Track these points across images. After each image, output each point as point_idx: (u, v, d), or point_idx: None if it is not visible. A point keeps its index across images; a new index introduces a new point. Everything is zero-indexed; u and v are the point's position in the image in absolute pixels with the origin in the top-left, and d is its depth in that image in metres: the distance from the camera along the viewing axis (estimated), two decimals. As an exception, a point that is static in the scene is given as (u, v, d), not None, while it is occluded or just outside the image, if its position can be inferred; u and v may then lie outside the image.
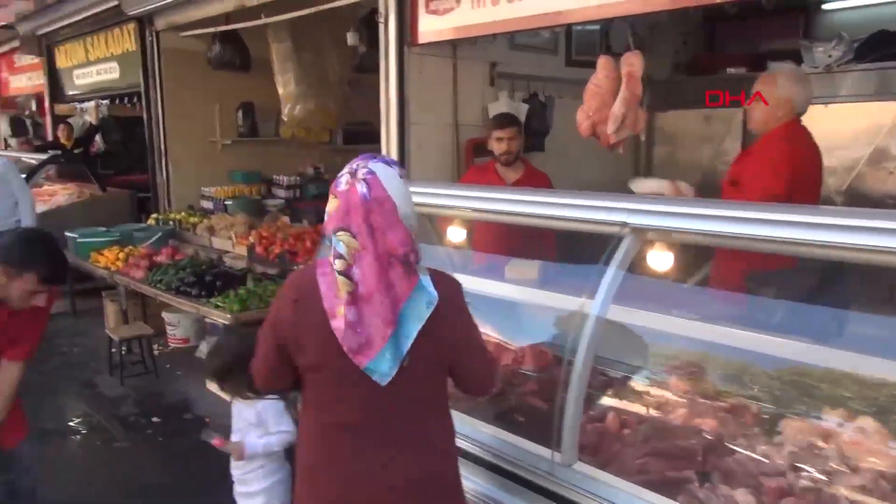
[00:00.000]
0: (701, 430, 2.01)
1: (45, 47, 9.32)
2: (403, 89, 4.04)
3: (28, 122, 11.93)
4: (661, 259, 2.08)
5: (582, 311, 1.97)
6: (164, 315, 5.48)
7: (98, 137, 9.22)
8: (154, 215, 6.62)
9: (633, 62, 3.07)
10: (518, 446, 2.04)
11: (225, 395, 2.41)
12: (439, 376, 1.67)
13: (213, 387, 2.28)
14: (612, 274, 1.97)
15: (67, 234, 6.03)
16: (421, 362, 1.56)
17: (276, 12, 5.51)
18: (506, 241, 3.12)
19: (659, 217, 1.97)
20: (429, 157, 4.21)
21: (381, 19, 4.04)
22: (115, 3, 6.59)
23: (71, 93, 9.15)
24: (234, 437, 2.46)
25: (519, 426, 2.17)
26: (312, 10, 5.09)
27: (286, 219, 5.55)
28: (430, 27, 3.86)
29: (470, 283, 2.04)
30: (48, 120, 9.84)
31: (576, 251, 2.34)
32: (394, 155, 4.11)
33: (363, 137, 8.02)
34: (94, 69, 8.13)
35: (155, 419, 4.25)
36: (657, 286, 2.15)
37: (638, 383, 2.35)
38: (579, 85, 3.37)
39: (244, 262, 5.09)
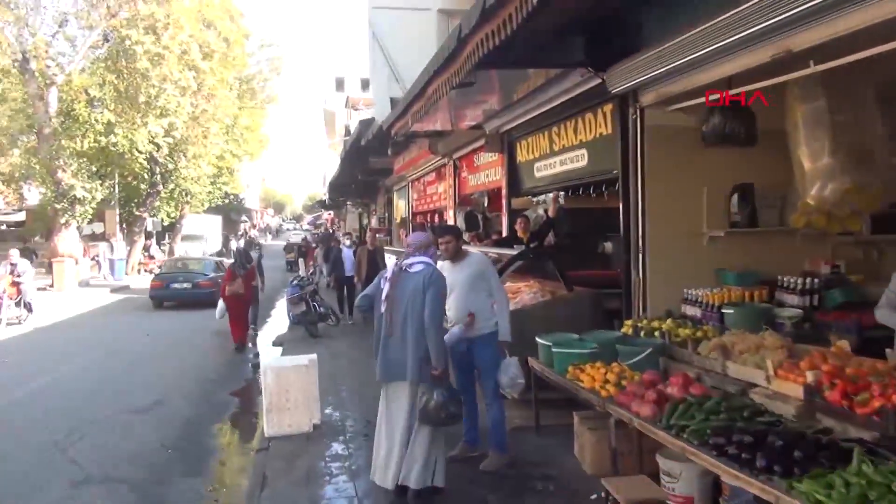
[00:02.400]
0: None
1: (506, 143, 9.47)
2: None
3: (479, 216, 12.60)
4: None
5: None
6: (660, 460, 4.16)
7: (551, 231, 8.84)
8: (629, 321, 5.53)
9: None
10: None
11: None
12: None
13: None
14: None
15: (539, 339, 5.30)
16: None
17: (828, 57, 4.03)
18: None
19: None
20: None
21: None
22: (596, 82, 5.92)
23: (528, 185, 9.01)
24: None
25: None
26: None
27: (844, 343, 3.81)
28: None
29: None
30: (504, 213, 9.91)
31: None
32: None
33: (900, 225, 5.90)
34: (558, 159, 7.72)
35: None
36: None
37: None
38: None
39: (790, 405, 3.51)
